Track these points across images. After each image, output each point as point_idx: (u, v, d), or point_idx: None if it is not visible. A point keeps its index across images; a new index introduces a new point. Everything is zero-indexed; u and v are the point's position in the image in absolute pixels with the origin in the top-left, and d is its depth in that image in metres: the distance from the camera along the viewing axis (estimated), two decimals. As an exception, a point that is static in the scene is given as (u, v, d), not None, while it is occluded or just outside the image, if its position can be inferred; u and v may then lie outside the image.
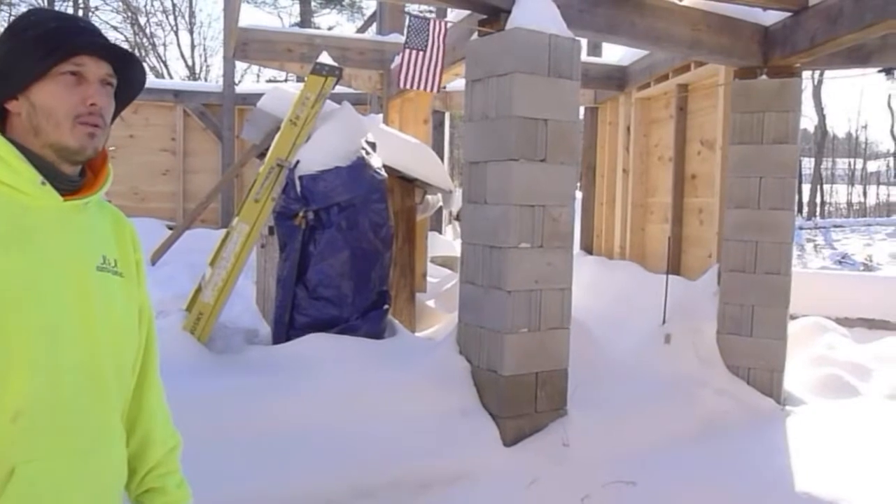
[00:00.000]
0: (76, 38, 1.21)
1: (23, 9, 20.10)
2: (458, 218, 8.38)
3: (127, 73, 1.28)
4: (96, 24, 1.40)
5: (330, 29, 23.02)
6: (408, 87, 3.98)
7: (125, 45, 22.83)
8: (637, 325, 5.85)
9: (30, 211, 1.17)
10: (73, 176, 1.25)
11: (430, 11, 10.61)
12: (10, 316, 1.11)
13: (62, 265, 1.20)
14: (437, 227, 9.98)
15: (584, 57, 5.15)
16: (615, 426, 4.22)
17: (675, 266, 6.72)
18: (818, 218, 24.77)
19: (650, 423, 4.34)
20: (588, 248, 8.58)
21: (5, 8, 18.51)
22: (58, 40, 1.19)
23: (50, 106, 1.19)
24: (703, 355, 5.25)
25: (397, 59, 7.57)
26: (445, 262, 8.68)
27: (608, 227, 8.25)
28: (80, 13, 21.99)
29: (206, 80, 22.95)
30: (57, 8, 21.13)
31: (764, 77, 5.12)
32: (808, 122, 28.85)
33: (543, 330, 4.10)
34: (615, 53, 8.16)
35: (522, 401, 4.05)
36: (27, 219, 1.17)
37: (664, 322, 5.54)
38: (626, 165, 7.83)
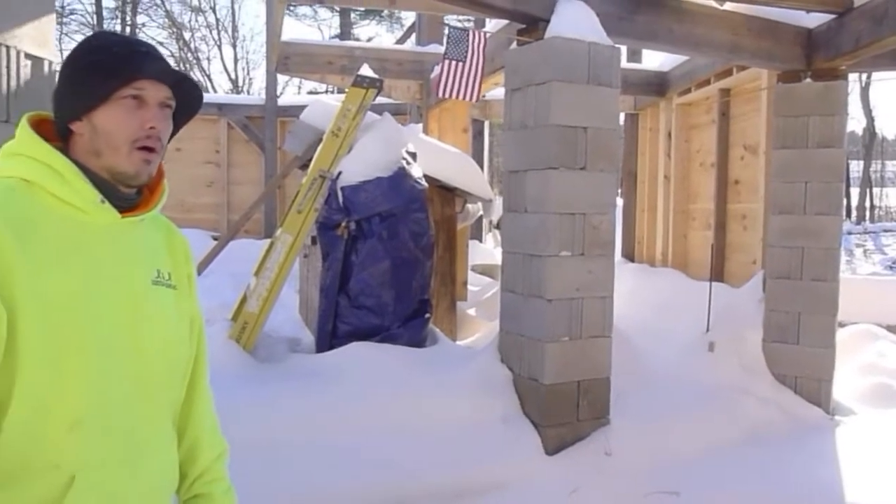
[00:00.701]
0: (137, 62, 1.24)
1: (73, 27, 20.72)
2: (498, 226, 8.39)
3: (185, 94, 1.32)
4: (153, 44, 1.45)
5: (369, 40, 23.26)
6: (447, 97, 4.02)
7: (171, 60, 23.33)
8: (680, 333, 5.78)
9: (86, 227, 1.21)
10: (130, 195, 1.29)
11: (468, 20, 10.68)
12: (64, 329, 1.15)
13: (116, 279, 1.24)
14: (478, 236, 10.00)
15: (623, 63, 5.13)
16: (658, 435, 4.18)
17: (718, 273, 6.63)
18: (867, 222, 24.14)
19: (693, 432, 4.29)
20: (629, 256, 8.51)
21: (57, 27, 19.07)
22: (119, 65, 1.22)
23: (110, 130, 1.22)
24: (748, 364, 5.16)
25: (436, 70, 7.64)
26: (486, 271, 8.69)
27: (649, 234, 8.18)
28: (128, 30, 22.61)
29: (248, 92, 23.38)
30: (105, 24, 21.76)
31: (808, 80, 5.04)
32: (855, 123, 28.23)
33: (585, 338, 4.09)
34: (655, 59, 8.09)
35: (564, 409, 4.04)
36: (84, 235, 1.21)
37: (708, 330, 5.47)
38: (667, 171, 7.76)
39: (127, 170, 1.24)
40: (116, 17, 22.78)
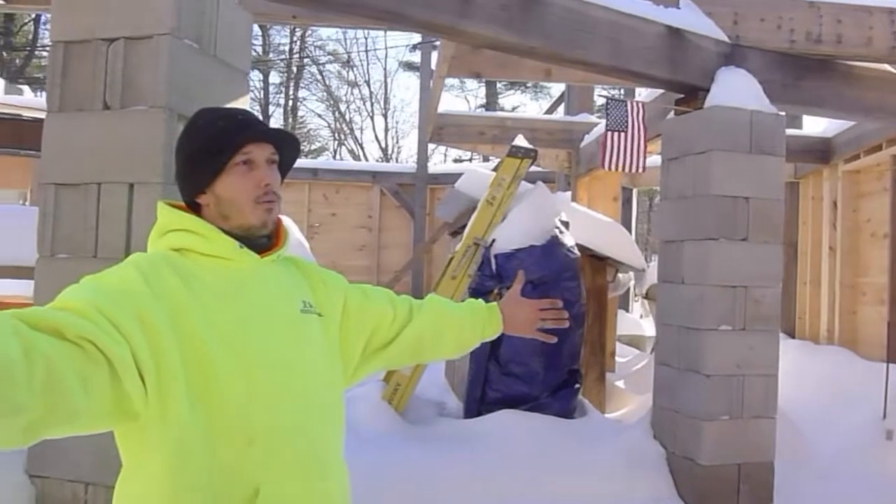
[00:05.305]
0: (241, 132, 1.39)
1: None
2: (647, 296, 8.18)
3: (285, 146, 1.48)
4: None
5: (514, 109, 23.76)
6: (613, 168, 4.02)
7: (327, 130, 24.92)
8: (850, 418, 5.34)
9: (234, 271, 1.36)
10: (261, 242, 1.45)
11: (615, 89, 10.70)
12: (234, 357, 1.27)
13: (271, 310, 1.37)
14: (624, 305, 9.78)
15: (785, 131, 4.94)
16: (830, 529, 3.85)
17: (894, 353, 6.10)
18: None
19: (871, 530, 3.92)
20: (789, 332, 8.00)
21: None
22: (227, 138, 1.38)
23: (232, 196, 1.38)
24: (933, 456, 4.67)
25: (587, 139, 7.67)
26: (632, 341, 8.47)
27: (812, 308, 7.68)
28: (290, 104, 24.38)
29: (396, 159, 24.41)
30: (271, 98, 23.57)
31: None
32: None
33: (746, 418, 3.88)
34: (817, 125, 7.74)
35: (722, 494, 3.82)
36: (234, 277, 1.35)
37: (884, 416, 5.02)
38: (832, 243, 7.32)
39: (254, 222, 1.40)
40: (281, 91, 24.66)
